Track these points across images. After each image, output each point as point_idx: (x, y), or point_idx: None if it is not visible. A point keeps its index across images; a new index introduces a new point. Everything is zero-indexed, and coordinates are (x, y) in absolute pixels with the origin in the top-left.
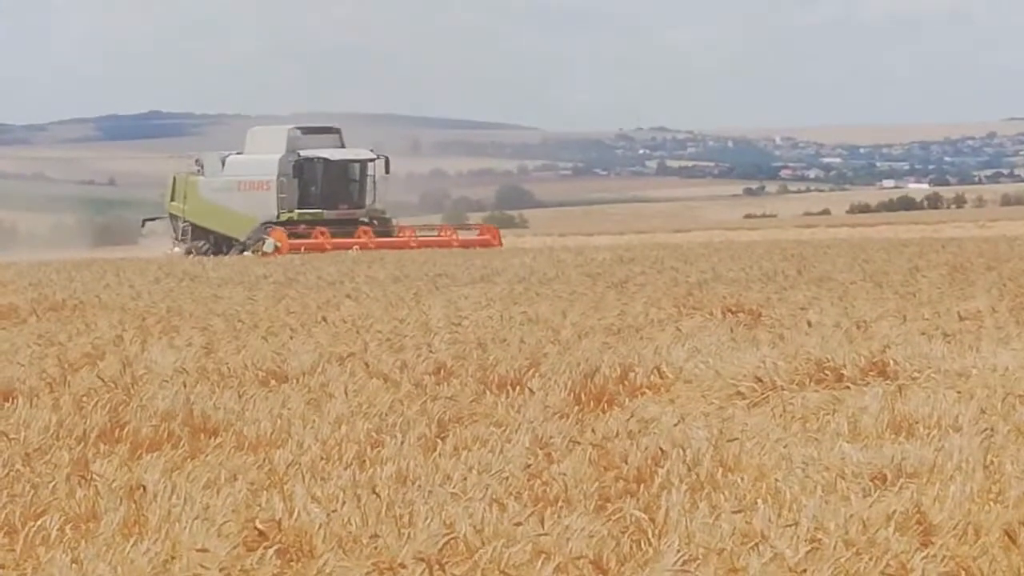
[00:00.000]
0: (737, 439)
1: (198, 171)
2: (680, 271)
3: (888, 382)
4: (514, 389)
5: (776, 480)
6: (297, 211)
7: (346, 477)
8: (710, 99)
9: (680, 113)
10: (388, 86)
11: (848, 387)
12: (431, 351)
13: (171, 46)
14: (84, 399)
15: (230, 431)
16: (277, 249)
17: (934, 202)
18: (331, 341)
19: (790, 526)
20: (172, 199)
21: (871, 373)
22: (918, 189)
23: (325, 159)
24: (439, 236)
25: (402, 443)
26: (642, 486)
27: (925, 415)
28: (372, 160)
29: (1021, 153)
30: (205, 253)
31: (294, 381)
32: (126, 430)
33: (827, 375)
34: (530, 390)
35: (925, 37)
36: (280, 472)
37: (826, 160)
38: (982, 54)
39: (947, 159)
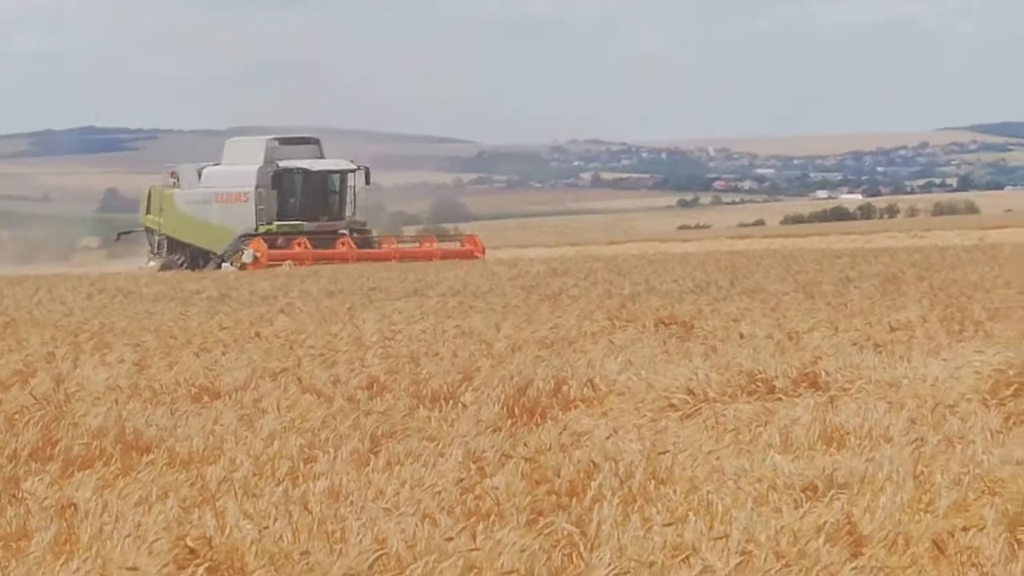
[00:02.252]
0: (669, 451)
1: (174, 183)
2: (614, 283)
3: (819, 393)
4: (447, 403)
5: (708, 492)
6: (276, 223)
7: (278, 493)
8: (644, 111)
9: (614, 125)
10: (323, 99)
11: (780, 399)
12: (364, 366)
13: (107, 60)
14: (15, 417)
15: (162, 448)
16: (256, 260)
17: (867, 212)
18: (264, 357)
19: (721, 538)
20: (148, 212)
21: (803, 384)
22: (851, 200)
23: (305, 170)
24: (420, 247)
25: (335, 458)
26: (574, 499)
27: (856, 426)
28: (352, 171)
29: (953, 163)
30: (181, 267)
31: (227, 397)
32: (58, 448)
33: (759, 387)
34: (463, 404)
35: (857, 49)
36: (212, 489)
37: (760, 171)
38: (914, 65)
39: (880, 169)
